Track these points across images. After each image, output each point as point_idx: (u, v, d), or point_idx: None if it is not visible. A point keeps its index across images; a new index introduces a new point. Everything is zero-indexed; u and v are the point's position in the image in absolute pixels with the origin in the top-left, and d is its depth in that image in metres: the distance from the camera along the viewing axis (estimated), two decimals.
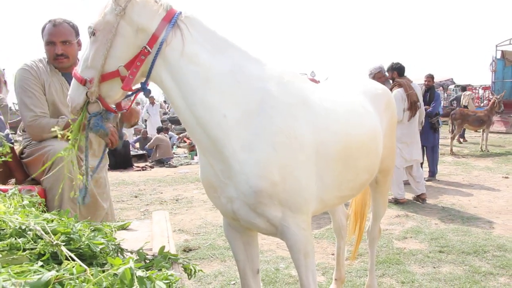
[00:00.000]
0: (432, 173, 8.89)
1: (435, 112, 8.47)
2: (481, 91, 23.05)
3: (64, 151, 2.04)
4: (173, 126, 18.81)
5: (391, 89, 6.81)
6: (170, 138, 14.44)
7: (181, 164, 12.44)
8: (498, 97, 13.27)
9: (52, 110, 2.90)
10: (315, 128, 2.18)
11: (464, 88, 16.32)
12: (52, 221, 1.47)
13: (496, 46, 14.34)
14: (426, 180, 8.18)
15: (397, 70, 7.18)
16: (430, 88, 8.76)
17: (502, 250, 4.71)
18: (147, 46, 1.95)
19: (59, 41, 2.90)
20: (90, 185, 2.12)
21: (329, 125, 2.29)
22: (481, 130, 13.56)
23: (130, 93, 2.10)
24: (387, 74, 7.29)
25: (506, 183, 8.53)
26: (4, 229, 1.24)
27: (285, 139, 2.04)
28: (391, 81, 7.20)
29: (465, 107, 14.00)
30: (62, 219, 1.55)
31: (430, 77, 8.98)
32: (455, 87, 23.56)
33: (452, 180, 8.89)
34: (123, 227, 2.43)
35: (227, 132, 1.99)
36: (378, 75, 7.10)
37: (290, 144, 2.06)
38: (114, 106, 2.11)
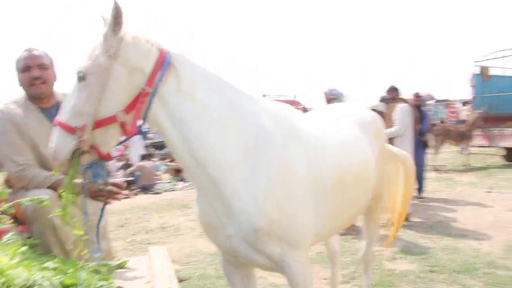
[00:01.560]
0: (420, 190, 8.86)
1: (426, 130, 8.74)
2: (460, 106, 23.46)
3: (61, 209, 1.95)
4: (156, 151, 18.68)
5: (392, 106, 7.34)
6: (154, 164, 14.32)
7: (166, 191, 12.32)
8: (479, 112, 13.57)
9: (34, 154, 2.76)
10: (311, 161, 2.20)
11: (444, 104, 16.59)
12: (55, 269, 1.46)
13: (475, 62, 14.73)
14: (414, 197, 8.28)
15: (397, 90, 7.81)
16: (419, 107, 8.83)
17: (492, 267, 4.75)
18: (146, 87, 1.92)
19: (36, 65, 2.79)
20: (99, 241, 2.09)
21: (323, 157, 2.31)
22: (463, 144, 13.81)
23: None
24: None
25: (490, 197, 8.66)
26: (10, 287, 1.22)
27: (281, 176, 2.05)
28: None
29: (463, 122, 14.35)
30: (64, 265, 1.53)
31: (418, 96, 9.02)
32: (435, 102, 23.98)
33: (436, 196, 8.99)
34: (121, 266, 2.40)
35: (227, 172, 1.99)
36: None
37: (286, 180, 2.07)
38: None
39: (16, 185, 2.76)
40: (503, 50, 14.55)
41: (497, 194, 9.02)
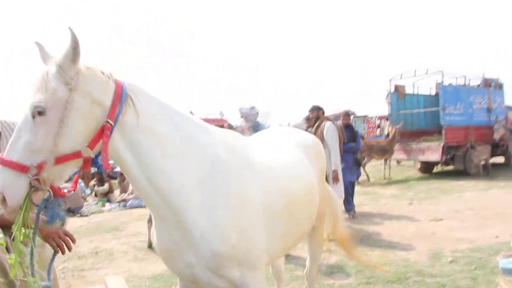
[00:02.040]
0: (351, 209, 8.87)
1: (359, 148, 9.03)
2: (377, 121, 24.77)
3: (15, 255, 1.82)
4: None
5: (319, 124, 7.52)
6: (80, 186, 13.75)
7: (93, 213, 11.86)
8: (397, 127, 14.44)
9: None
10: (261, 187, 2.31)
11: (363, 119, 17.48)
12: None
13: (390, 80, 15.71)
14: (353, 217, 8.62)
15: (322, 109, 8.05)
16: (349, 126, 9.02)
17: (421, 275, 5.09)
18: (109, 120, 1.88)
19: None
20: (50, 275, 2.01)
21: (273, 183, 2.42)
22: (384, 159, 14.62)
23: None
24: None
25: (412, 209, 9.23)
26: None
27: (238, 202, 2.14)
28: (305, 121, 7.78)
29: (387, 136, 15.07)
30: None
31: (347, 115, 9.26)
32: (353, 117, 25.15)
33: (363, 210, 9.42)
34: None
35: (186, 200, 2.03)
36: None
37: (243, 206, 2.17)
38: None
39: None
40: (415, 70, 15.67)
41: (417, 205, 9.64)
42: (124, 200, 12.47)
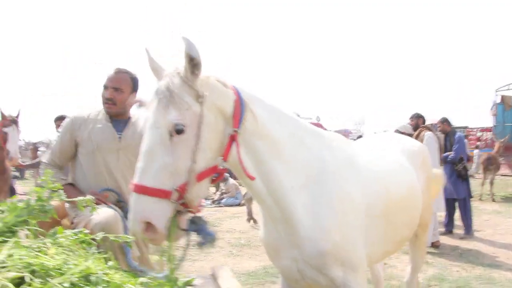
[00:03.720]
0: (468, 228, 7.93)
1: (458, 158, 7.78)
2: (479, 133, 23.34)
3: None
4: None
5: (418, 134, 7.16)
6: None
7: None
8: (502, 141, 13.52)
9: (92, 150, 2.97)
10: (363, 190, 2.34)
11: (463, 131, 16.59)
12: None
13: (496, 91, 14.77)
14: (461, 238, 7.78)
15: (422, 117, 7.67)
16: (448, 133, 8.05)
17: None
18: (236, 129, 1.92)
19: (111, 87, 2.99)
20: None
21: (374, 186, 2.45)
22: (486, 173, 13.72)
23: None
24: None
25: None
26: None
27: (341, 203, 2.21)
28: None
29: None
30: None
31: (445, 122, 8.12)
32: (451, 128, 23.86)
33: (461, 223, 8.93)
34: (188, 284, 2.48)
35: (294, 201, 2.12)
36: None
37: (346, 207, 2.23)
38: None
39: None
40: None
41: None
42: (218, 199, 12.91)
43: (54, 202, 4.00)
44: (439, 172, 4.00)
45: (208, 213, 11.08)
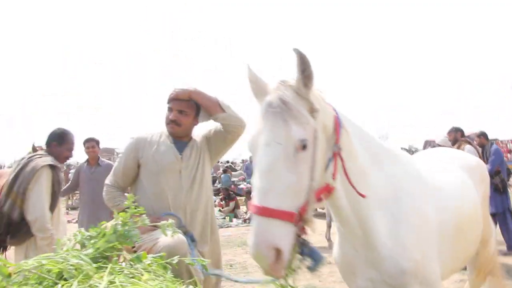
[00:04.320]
0: (511, 244, 7.56)
1: (494, 170, 7.50)
2: (510, 145, 22.90)
3: None
4: None
5: (458, 147, 7.03)
6: None
7: (221, 227, 12.41)
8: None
9: (156, 171, 2.98)
10: (436, 207, 2.34)
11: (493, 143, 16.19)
12: None
13: None
14: (504, 254, 7.26)
15: (460, 131, 7.54)
16: (485, 146, 7.93)
17: None
18: (338, 146, 1.88)
19: (176, 109, 3.03)
20: None
21: (444, 203, 2.44)
22: None
23: None
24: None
25: None
26: None
27: (420, 221, 2.20)
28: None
29: None
30: None
31: (482, 135, 8.03)
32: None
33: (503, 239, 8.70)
34: None
35: (377, 221, 2.12)
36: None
37: (424, 225, 2.22)
38: None
39: None
40: None
41: None
42: (249, 218, 12.88)
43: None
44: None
45: (240, 232, 11.07)
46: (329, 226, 8.53)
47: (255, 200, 1.62)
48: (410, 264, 2.12)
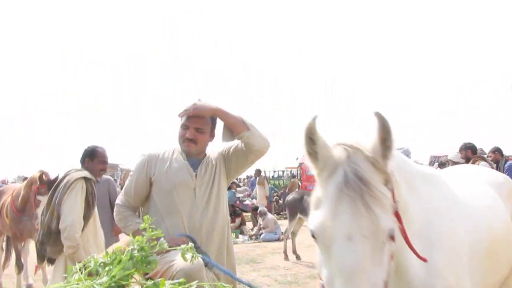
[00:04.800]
0: None
1: None
2: None
3: None
4: None
5: (473, 163, 6.90)
6: None
7: None
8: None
9: (170, 190, 2.83)
10: (467, 228, 2.21)
11: None
12: None
13: None
14: None
15: (471, 148, 7.44)
16: (499, 163, 7.97)
17: None
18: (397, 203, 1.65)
19: (193, 127, 2.91)
20: None
21: (475, 223, 2.31)
22: None
23: None
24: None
25: None
26: None
27: (451, 244, 2.07)
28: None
29: None
30: None
31: (497, 151, 8.07)
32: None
33: None
34: None
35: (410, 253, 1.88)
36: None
37: (455, 247, 2.09)
38: None
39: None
40: None
41: None
42: (255, 234, 12.71)
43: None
44: None
45: (247, 249, 10.89)
46: None
47: None
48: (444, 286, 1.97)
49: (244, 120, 2.90)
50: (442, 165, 9.16)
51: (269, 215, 12.70)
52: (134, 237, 1.78)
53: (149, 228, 1.82)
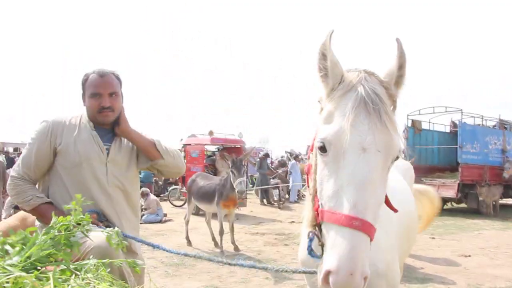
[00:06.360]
0: None
1: None
2: None
3: None
4: None
5: None
6: None
7: None
8: (410, 162, 14.36)
9: (78, 162, 2.54)
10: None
11: None
12: None
13: (407, 115, 15.79)
14: None
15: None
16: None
17: None
18: None
19: (107, 93, 2.59)
20: None
21: (400, 205, 2.46)
22: None
23: None
24: None
25: (435, 243, 9.14)
26: None
27: (388, 223, 2.17)
28: None
29: None
30: None
31: None
32: None
33: None
34: None
35: None
36: None
37: (390, 227, 2.23)
38: None
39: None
40: (433, 106, 15.82)
41: (439, 240, 9.57)
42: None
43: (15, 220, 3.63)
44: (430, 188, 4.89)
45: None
46: None
47: (350, 210, 1.34)
48: (382, 266, 2.09)
49: (157, 146, 2.71)
50: None
51: (152, 196, 12.35)
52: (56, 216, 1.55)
53: (79, 208, 1.60)
